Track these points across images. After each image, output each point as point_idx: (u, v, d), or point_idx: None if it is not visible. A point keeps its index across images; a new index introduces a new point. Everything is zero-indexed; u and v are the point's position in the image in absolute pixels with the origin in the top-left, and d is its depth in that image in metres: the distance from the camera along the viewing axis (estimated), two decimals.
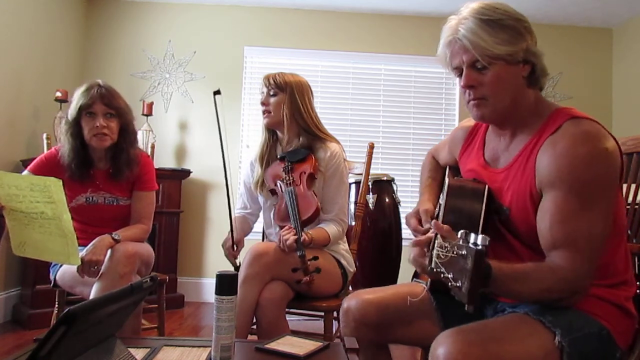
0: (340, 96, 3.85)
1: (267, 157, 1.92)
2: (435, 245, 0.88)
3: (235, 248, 1.78)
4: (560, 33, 3.87)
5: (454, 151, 1.36)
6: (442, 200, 1.36)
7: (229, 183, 1.71)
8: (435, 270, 0.87)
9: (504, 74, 1.04)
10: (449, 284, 0.82)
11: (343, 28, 3.84)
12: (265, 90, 1.85)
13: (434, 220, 1.04)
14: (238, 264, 1.75)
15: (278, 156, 1.90)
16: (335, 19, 3.84)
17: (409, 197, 3.73)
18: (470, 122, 1.32)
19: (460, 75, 1.10)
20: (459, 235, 0.85)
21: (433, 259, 0.88)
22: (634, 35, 3.72)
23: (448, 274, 0.82)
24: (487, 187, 1.13)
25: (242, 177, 2.07)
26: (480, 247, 0.78)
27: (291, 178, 1.77)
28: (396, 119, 3.86)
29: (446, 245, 0.85)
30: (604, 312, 1.03)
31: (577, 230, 0.97)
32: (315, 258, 1.63)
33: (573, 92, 3.70)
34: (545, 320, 0.98)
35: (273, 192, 1.85)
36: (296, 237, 1.60)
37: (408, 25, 3.86)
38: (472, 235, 0.81)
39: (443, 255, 0.85)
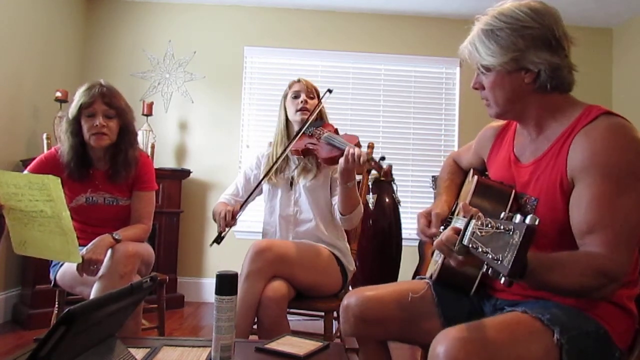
0: (340, 96, 3.85)
1: (282, 142, 1.96)
2: (471, 224, 0.88)
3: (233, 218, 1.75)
4: None
5: (481, 151, 1.36)
6: (460, 200, 1.36)
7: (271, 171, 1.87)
8: (469, 246, 0.87)
9: (499, 82, 1.10)
10: (486, 257, 0.81)
11: (343, 28, 3.84)
12: (305, 92, 1.95)
13: (462, 202, 1.04)
14: (223, 235, 1.73)
15: (295, 134, 1.94)
16: (335, 19, 3.84)
17: (409, 197, 3.73)
18: (499, 121, 1.33)
19: None
20: (502, 216, 0.85)
21: (467, 236, 0.88)
22: (634, 35, 3.72)
23: (487, 248, 0.82)
24: (514, 191, 1.14)
25: (243, 168, 2.11)
26: (530, 224, 0.78)
27: (320, 130, 1.88)
28: (396, 119, 3.86)
29: (488, 221, 0.85)
30: (603, 311, 1.03)
31: (613, 214, 0.96)
32: (383, 158, 1.65)
33: (573, 91, 3.69)
34: (544, 319, 0.98)
35: (306, 152, 1.87)
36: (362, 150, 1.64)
37: (408, 25, 3.86)
38: (518, 216, 0.82)
39: (483, 232, 0.85)
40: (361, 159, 1.62)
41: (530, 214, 1.09)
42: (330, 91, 1.93)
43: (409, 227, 3.30)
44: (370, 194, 3.05)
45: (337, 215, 1.85)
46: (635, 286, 1.09)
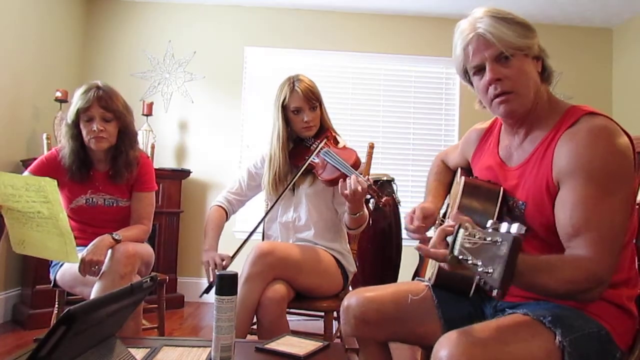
0: (340, 96, 3.85)
1: (287, 144, 1.90)
2: (460, 234, 0.87)
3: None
4: (560, 33, 3.87)
5: (466, 153, 1.37)
6: (449, 200, 1.37)
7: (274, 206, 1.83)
8: (459, 257, 0.86)
9: (526, 67, 1.07)
10: (477, 270, 0.81)
11: (343, 28, 3.84)
12: (306, 105, 1.83)
13: (454, 212, 1.05)
14: (213, 285, 1.65)
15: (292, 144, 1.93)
16: (335, 19, 3.84)
17: (409, 197, 3.73)
18: (484, 124, 1.33)
19: (479, 74, 1.10)
20: (488, 225, 0.85)
21: (457, 247, 0.87)
22: (634, 35, 3.72)
23: (476, 260, 0.81)
24: (502, 189, 1.14)
25: (246, 165, 2.04)
26: (516, 234, 0.78)
27: (318, 145, 1.82)
28: (396, 119, 3.85)
29: (475, 232, 0.84)
30: (603, 312, 1.03)
31: (599, 217, 0.96)
32: (382, 185, 1.62)
33: (573, 92, 3.70)
34: (546, 321, 0.98)
35: (310, 167, 1.82)
36: (363, 180, 1.59)
37: (408, 25, 3.86)
38: (505, 225, 0.81)
39: (471, 243, 0.84)
40: (360, 190, 1.58)
41: (519, 217, 1.10)
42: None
43: None
44: None
45: (344, 225, 1.86)
46: (635, 286, 1.09)
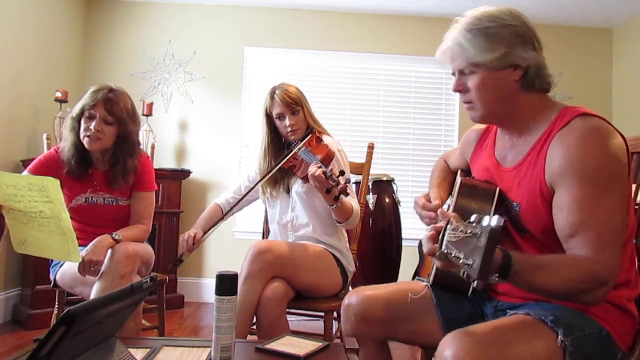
0: (340, 96, 3.85)
1: (272, 150, 1.96)
2: (447, 229, 0.89)
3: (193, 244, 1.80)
4: (560, 33, 3.87)
5: (465, 153, 1.37)
6: (450, 200, 1.37)
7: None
8: (445, 252, 0.88)
9: (488, 80, 1.09)
10: (459, 262, 0.82)
11: (343, 28, 3.84)
12: (287, 110, 1.89)
13: (440, 209, 1.05)
14: (183, 259, 1.80)
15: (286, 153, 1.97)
16: (335, 19, 3.84)
17: (409, 197, 3.72)
18: (482, 124, 1.33)
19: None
20: (472, 219, 0.86)
21: (444, 242, 0.89)
22: (634, 35, 3.72)
23: (459, 253, 0.83)
24: (498, 189, 1.15)
25: (249, 170, 2.09)
26: (494, 226, 0.79)
27: (301, 144, 1.87)
28: (396, 119, 3.85)
29: (458, 226, 0.86)
30: (603, 313, 1.03)
31: (595, 217, 0.96)
32: (342, 172, 1.64)
33: (573, 92, 3.70)
34: (547, 320, 0.98)
35: (290, 168, 1.87)
36: (322, 169, 1.63)
37: (408, 25, 3.86)
38: (486, 218, 0.82)
39: (455, 237, 0.86)
40: (319, 179, 1.61)
41: (515, 219, 1.10)
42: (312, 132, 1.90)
43: (409, 227, 3.30)
44: (370, 194, 3.05)
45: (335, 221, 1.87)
46: (635, 287, 1.09)
